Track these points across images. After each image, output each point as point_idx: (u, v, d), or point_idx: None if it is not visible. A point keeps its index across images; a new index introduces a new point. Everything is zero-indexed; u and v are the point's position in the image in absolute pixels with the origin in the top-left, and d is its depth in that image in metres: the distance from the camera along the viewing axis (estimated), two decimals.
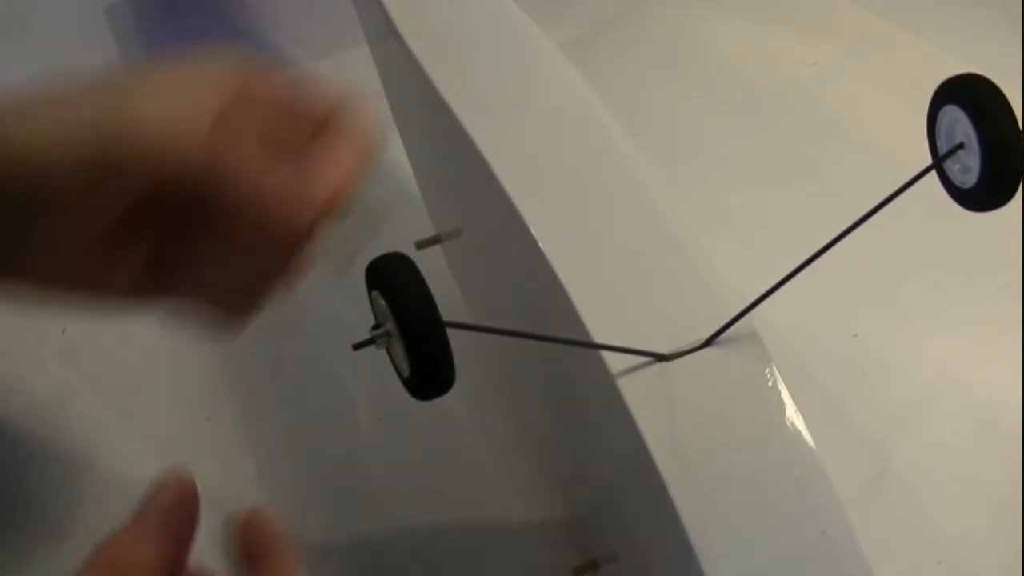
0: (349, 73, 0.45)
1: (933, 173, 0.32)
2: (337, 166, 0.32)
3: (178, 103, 0.32)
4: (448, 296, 0.36)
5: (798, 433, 0.30)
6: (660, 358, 0.31)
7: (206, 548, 0.46)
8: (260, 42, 0.67)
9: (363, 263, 0.29)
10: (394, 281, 0.27)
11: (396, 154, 0.53)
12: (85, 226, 0.32)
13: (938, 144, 0.32)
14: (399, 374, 0.29)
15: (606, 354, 0.32)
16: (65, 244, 0.32)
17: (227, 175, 0.31)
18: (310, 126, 0.33)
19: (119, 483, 0.48)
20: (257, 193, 0.31)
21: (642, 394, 0.31)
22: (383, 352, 0.29)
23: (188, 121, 0.32)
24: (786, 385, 0.31)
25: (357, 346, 0.28)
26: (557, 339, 0.33)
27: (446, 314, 0.27)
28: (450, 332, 0.27)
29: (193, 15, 0.68)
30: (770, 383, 0.31)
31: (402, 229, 0.43)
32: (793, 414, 0.31)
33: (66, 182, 0.30)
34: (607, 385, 0.31)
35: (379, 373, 0.31)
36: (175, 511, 0.33)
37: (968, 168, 0.31)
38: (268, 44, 0.67)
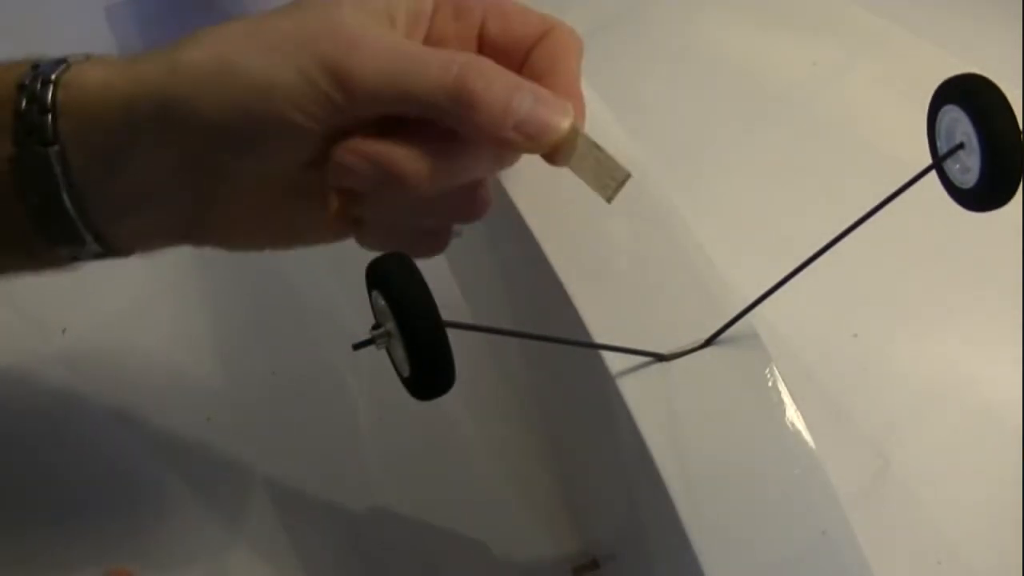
0: None
1: (933, 173, 0.32)
2: (577, 86, 0.33)
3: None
4: (448, 296, 0.36)
5: (798, 433, 0.30)
6: (660, 358, 0.31)
7: (210, 551, 0.46)
8: None
9: (364, 262, 0.29)
10: (394, 281, 0.27)
11: None
12: (302, 150, 0.33)
13: (938, 144, 0.32)
14: (399, 374, 0.29)
15: (606, 354, 0.32)
16: (285, 166, 0.33)
17: (471, 104, 0.31)
18: (523, 37, 0.33)
19: (119, 484, 0.48)
20: (500, 127, 0.31)
21: (642, 394, 0.31)
22: (383, 352, 0.29)
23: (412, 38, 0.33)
24: (786, 385, 0.31)
25: (357, 346, 0.28)
26: (557, 339, 0.33)
27: (446, 314, 0.27)
28: (450, 332, 0.27)
29: (193, 15, 0.68)
30: (770, 383, 0.31)
31: None
32: (793, 414, 0.31)
33: (293, 102, 0.31)
34: (607, 385, 0.32)
35: (379, 373, 0.31)
36: None
37: (968, 168, 0.31)
38: None
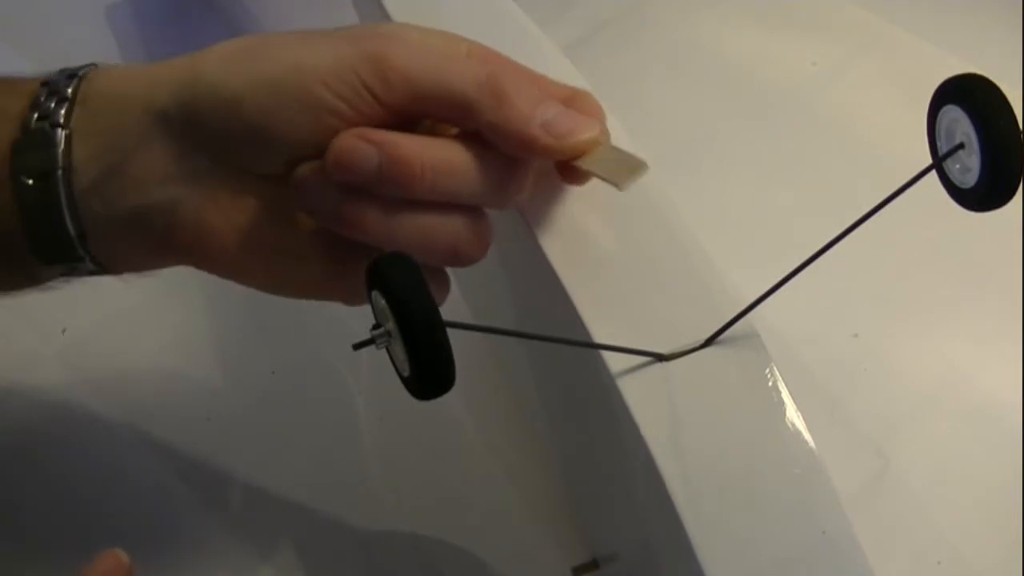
0: None
1: (933, 173, 0.32)
2: (595, 119, 0.34)
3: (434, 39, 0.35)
4: (448, 296, 0.36)
5: (798, 433, 0.30)
6: (660, 358, 0.31)
7: (210, 550, 0.46)
8: None
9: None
10: (394, 281, 0.27)
11: None
12: (317, 140, 0.32)
13: (938, 144, 0.32)
14: (399, 374, 0.29)
15: (606, 354, 0.32)
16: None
17: (502, 97, 0.32)
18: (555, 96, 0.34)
19: (119, 484, 0.48)
20: (528, 122, 0.32)
21: (642, 394, 0.31)
22: (383, 352, 0.29)
23: (450, 45, 0.34)
24: (786, 385, 0.31)
25: (357, 346, 0.28)
26: (557, 339, 0.33)
27: (446, 314, 0.27)
28: (450, 332, 0.27)
29: (193, 15, 0.68)
30: (770, 383, 0.31)
31: None
32: (793, 414, 0.31)
33: (325, 82, 0.32)
34: (607, 385, 0.32)
35: (379, 373, 0.31)
36: None
37: (968, 168, 0.31)
38: None
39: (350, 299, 0.36)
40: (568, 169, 0.34)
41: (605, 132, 0.34)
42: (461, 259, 0.34)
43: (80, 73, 0.34)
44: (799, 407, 0.31)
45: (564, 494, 0.46)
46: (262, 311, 0.55)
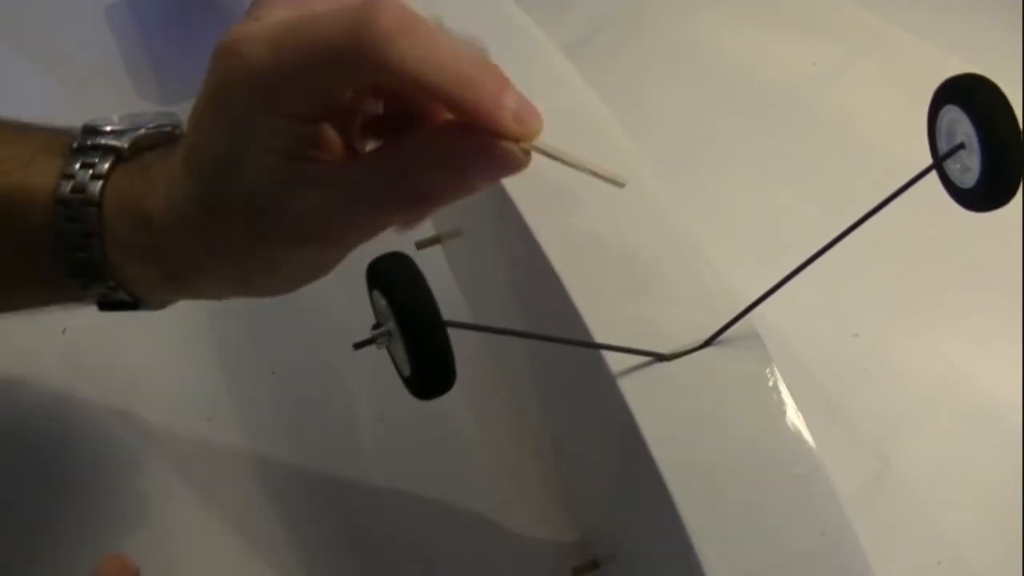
0: None
1: (933, 173, 0.32)
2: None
3: None
4: (448, 296, 0.36)
5: (798, 433, 0.30)
6: (660, 358, 0.31)
7: (210, 550, 0.46)
8: None
9: (364, 262, 0.29)
10: (394, 281, 0.27)
11: None
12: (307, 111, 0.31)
13: (938, 144, 0.32)
14: (399, 374, 0.29)
15: (606, 354, 0.32)
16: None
17: (468, 81, 0.29)
18: None
19: (119, 483, 0.48)
20: (496, 101, 0.29)
21: (642, 394, 0.31)
22: (383, 352, 0.29)
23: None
24: (786, 385, 0.31)
25: (357, 346, 0.28)
26: (557, 339, 0.33)
27: (446, 314, 0.27)
28: (450, 332, 0.27)
29: (193, 15, 0.68)
30: (770, 383, 0.31)
31: None
32: (793, 414, 0.31)
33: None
34: (607, 385, 0.32)
35: (379, 373, 0.30)
36: None
37: (968, 168, 0.31)
38: None
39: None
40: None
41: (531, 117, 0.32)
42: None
43: (105, 174, 0.34)
44: (799, 407, 0.31)
45: (564, 494, 0.46)
46: (262, 311, 0.55)
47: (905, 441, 0.48)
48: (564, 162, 0.30)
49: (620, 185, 0.30)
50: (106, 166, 0.34)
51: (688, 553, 0.29)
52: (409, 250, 0.32)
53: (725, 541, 0.29)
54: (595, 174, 0.30)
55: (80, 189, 0.34)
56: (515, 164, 0.30)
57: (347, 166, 0.32)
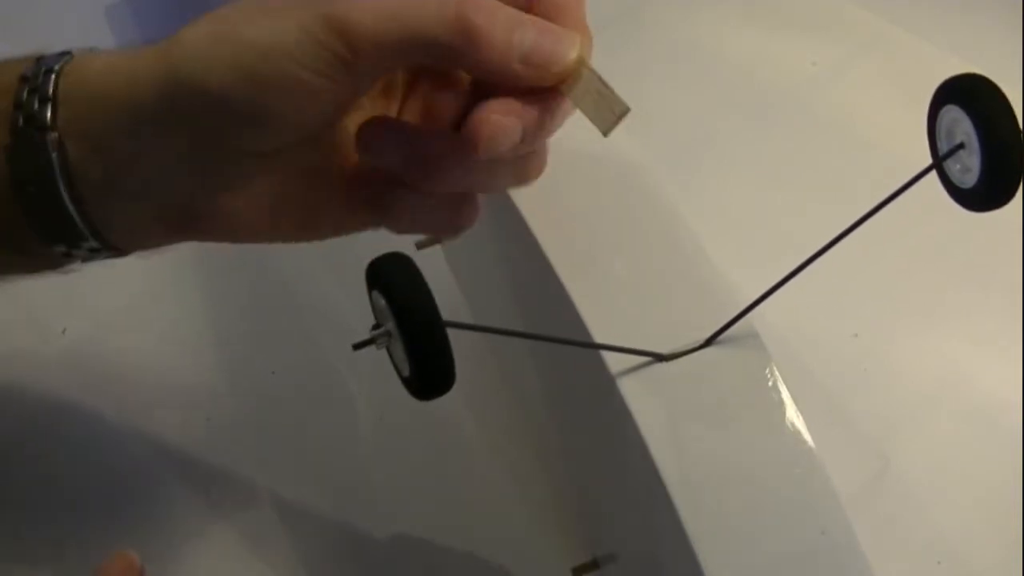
0: None
1: (933, 173, 0.32)
2: (583, 22, 0.33)
3: None
4: (448, 296, 0.36)
5: (798, 433, 0.30)
6: (660, 358, 0.31)
7: (210, 550, 0.46)
8: None
9: (364, 262, 0.29)
10: (394, 281, 0.27)
11: None
12: (314, 116, 0.32)
13: (938, 144, 0.32)
14: (399, 374, 0.29)
15: (606, 354, 0.32)
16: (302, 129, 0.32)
17: (472, 35, 0.30)
18: None
19: (119, 484, 0.48)
20: (505, 61, 0.31)
21: (642, 394, 0.31)
22: (383, 352, 0.29)
23: None
24: (786, 385, 0.31)
25: (357, 346, 0.28)
26: (557, 339, 0.33)
27: (446, 314, 0.27)
28: (450, 332, 0.27)
29: (193, 15, 0.68)
30: (770, 383, 0.31)
31: None
32: (793, 414, 0.31)
33: (297, 60, 0.31)
34: (607, 385, 0.32)
35: (379, 373, 0.30)
36: None
37: (968, 168, 0.31)
38: None
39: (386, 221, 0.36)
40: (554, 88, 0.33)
41: (588, 40, 0.33)
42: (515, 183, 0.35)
43: (56, 68, 0.34)
44: (799, 407, 0.31)
45: (564, 494, 0.46)
46: (262, 311, 0.55)
47: (905, 441, 0.48)
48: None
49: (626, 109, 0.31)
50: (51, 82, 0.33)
51: (688, 553, 0.29)
52: (409, 250, 0.32)
53: (725, 541, 0.29)
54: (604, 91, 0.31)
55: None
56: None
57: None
